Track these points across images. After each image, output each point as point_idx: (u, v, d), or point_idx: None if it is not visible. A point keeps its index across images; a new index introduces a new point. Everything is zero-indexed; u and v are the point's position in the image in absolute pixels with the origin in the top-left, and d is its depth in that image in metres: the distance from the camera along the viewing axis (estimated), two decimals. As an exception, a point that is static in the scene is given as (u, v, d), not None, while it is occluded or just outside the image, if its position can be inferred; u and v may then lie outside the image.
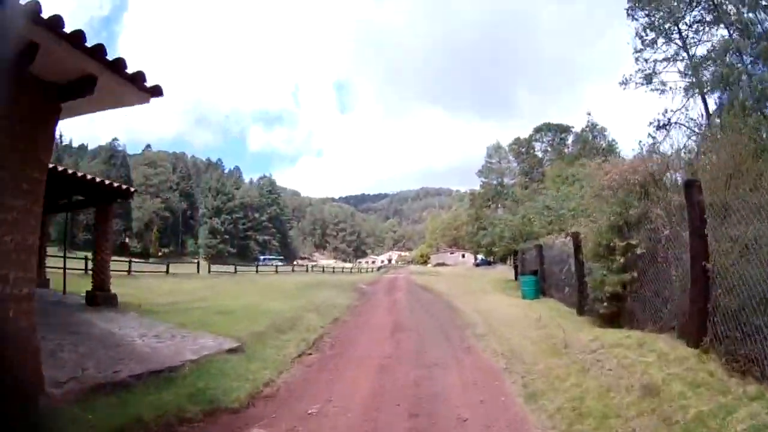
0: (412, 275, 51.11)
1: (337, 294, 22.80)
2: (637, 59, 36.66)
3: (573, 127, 72.69)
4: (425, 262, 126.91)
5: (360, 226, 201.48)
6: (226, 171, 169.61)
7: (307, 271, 53.40)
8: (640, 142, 26.89)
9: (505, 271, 49.09)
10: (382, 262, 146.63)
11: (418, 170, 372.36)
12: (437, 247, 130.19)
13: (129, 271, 28.64)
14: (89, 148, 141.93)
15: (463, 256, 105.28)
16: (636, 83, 36.63)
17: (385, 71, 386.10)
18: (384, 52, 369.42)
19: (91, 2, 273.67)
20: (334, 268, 64.88)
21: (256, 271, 45.26)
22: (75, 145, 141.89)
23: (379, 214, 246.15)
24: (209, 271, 37.89)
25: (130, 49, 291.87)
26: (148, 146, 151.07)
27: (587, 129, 62.02)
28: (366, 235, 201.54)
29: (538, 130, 75.61)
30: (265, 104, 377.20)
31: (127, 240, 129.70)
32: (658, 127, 34.43)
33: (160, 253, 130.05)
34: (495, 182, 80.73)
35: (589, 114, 64.69)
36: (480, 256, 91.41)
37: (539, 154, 76.23)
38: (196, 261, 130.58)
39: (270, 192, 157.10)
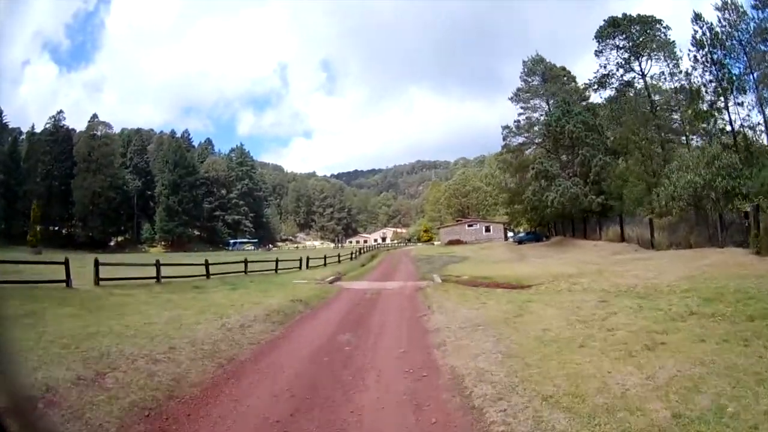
0: (423, 284, 19.78)
1: None
2: None
3: (663, 21, 40.94)
4: (430, 239, 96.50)
5: (350, 202, 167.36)
6: (196, 146, 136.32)
7: (244, 269, 22.52)
8: None
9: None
10: (375, 240, 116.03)
11: (410, 145, 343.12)
12: (441, 220, 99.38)
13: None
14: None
15: (488, 229, 73.45)
16: None
17: (372, 51, 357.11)
18: (369, 32, 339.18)
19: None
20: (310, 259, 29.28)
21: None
22: (38, 129, 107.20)
23: (373, 189, 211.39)
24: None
25: (114, 41, 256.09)
26: (95, 116, 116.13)
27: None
28: (357, 212, 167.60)
29: (612, 24, 42.73)
30: (252, 88, 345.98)
31: (65, 229, 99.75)
32: None
33: (112, 243, 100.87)
34: (542, 111, 49.02)
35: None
36: (520, 229, 60.26)
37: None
38: (154, 247, 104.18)
39: (241, 164, 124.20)
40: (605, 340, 7.33)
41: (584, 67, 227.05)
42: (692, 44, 30.79)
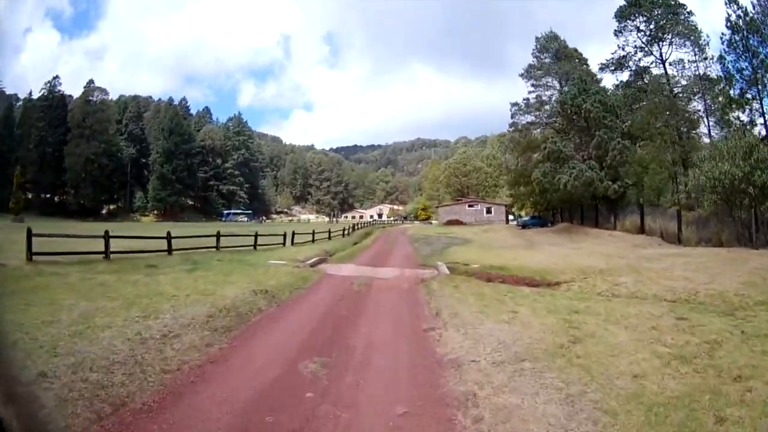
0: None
1: None
2: None
3: (686, 6, 37.78)
4: (427, 218, 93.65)
5: (348, 176, 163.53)
6: (194, 114, 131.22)
7: (216, 245, 20.17)
8: None
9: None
10: (371, 217, 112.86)
11: (411, 122, 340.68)
12: (439, 199, 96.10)
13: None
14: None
15: (489, 210, 70.29)
16: None
17: (377, 26, 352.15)
18: (375, 6, 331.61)
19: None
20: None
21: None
22: (35, 96, 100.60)
23: (371, 165, 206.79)
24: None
25: (117, 8, 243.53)
26: (91, 82, 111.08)
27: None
28: (354, 187, 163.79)
29: (634, 3, 39.33)
30: (254, 58, 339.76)
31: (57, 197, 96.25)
32: None
33: (103, 211, 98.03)
34: (553, 90, 45.76)
35: None
36: (522, 213, 57.48)
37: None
38: (146, 216, 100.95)
39: (238, 133, 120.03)
40: (745, 404, 4.40)
41: (592, 54, 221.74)
42: (727, 27, 28.35)
